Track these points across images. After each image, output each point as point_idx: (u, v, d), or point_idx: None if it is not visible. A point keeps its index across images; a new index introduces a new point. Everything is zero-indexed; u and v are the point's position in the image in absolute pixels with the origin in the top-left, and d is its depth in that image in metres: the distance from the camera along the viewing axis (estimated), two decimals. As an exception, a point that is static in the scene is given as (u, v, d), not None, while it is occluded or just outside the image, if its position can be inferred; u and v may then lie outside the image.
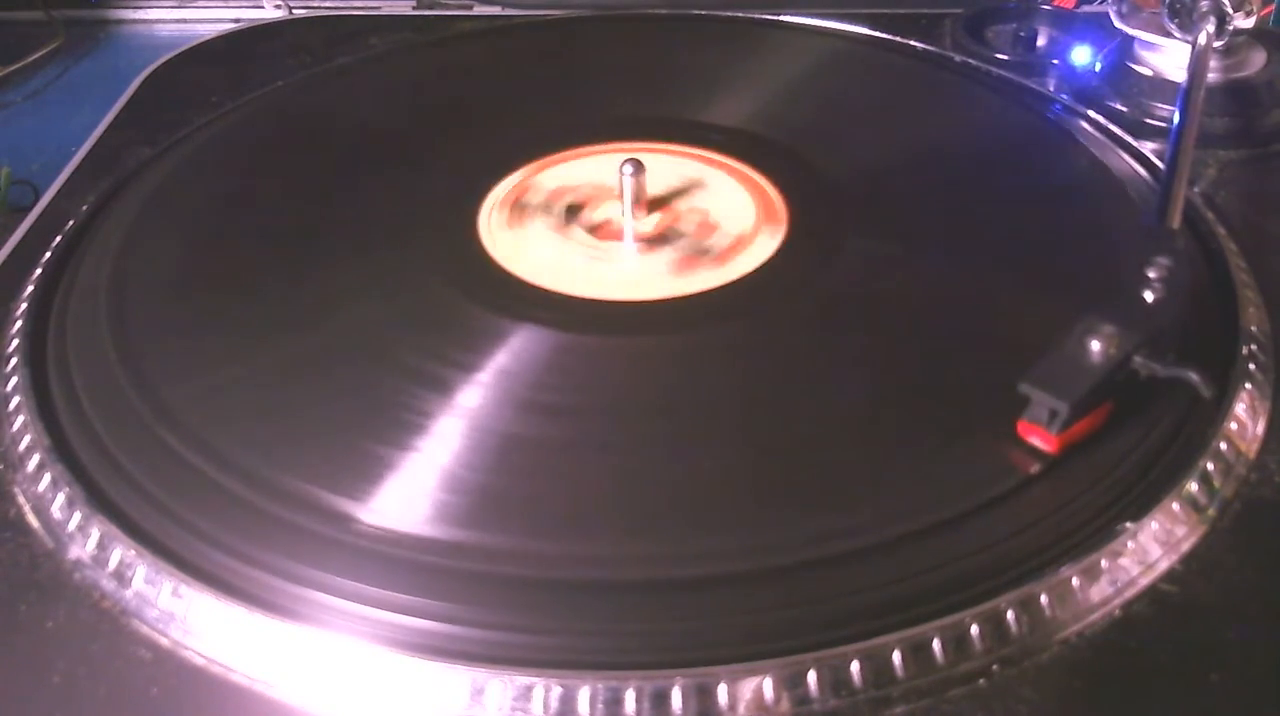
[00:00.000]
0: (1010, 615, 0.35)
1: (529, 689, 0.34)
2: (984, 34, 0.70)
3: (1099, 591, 0.36)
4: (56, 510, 0.40)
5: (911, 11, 0.73)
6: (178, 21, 0.85)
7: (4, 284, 0.51)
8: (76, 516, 0.39)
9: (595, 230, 0.52)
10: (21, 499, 0.41)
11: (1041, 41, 0.69)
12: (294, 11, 0.82)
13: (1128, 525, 0.37)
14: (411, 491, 0.39)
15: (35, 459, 0.42)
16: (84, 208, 0.55)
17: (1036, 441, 0.39)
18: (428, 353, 0.45)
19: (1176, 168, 0.48)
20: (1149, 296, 0.41)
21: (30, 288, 0.50)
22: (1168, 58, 0.61)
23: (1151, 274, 0.42)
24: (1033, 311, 0.46)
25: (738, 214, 0.52)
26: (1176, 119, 0.51)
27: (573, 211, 0.53)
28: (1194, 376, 0.39)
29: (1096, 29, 0.66)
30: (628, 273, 0.49)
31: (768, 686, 0.33)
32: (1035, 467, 0.39)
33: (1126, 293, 0.41)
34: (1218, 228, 0.51)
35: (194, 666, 0.36)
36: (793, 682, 0.34)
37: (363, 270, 0.50)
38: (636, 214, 0.52)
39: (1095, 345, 0.39)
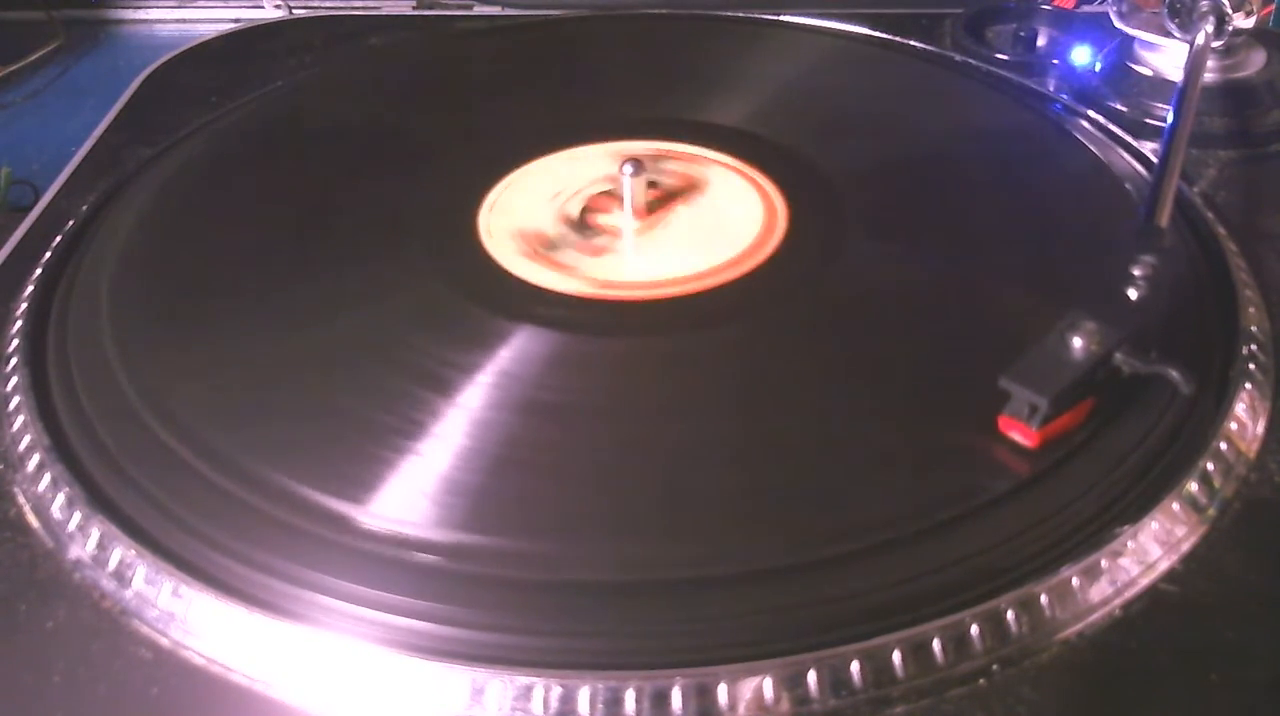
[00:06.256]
0: (1010, 615, 0.35)
1: (529, 689, 0.34)
2: (984, 34, 0.70)
3: (1099, 591, 0.36)
4: (56, 510, 0.40)
5: (911, 11, 0.73)
6: (178, 21, 0.85)
7: (4, 284, 0.51)
8: (76, 516, 0.39)
9: (596, 229, 0.52)
10: (21, 499, 0.41)
11: (1041, 41, 0.69)
12: (294, 11, 0.82)
13: (1120, 529, 0.37)
14: (411, 492, 0.39)
15: (35, 459, 0.42)
16: (84, 208, 0.55)
17: (1016, 436, 0.39)
18: (427, 353, 0.45)
19: (1168, 166, 0.48)
20: (1133, 293, 0.41)
21: (30, 287, 0.50)
22: (1168, 58, 0.61)
23: (1136, 271, 0.42)
24: (1033, 311, 0.45)
25: (737, 214, 0.52)
26: (1171, 118, 0.51)
27: (574, 208, 0.53)
28: (1174, 373, 0.39)
29: (1096, 29, 0.66)
30: (627, 272, 0.49)
31: (768, 686, 0.33)
32: (1035, 467, 0.39)
33: (1111, 290, 0.41)
34: (1218, 228, 0.51)
35: (194, 666, 0.36)
36: (793, 682, 0.34)
37: (362, 270, 0.50)
38: (636, 214, 0.52)
39: (1077, 341, 0.40)
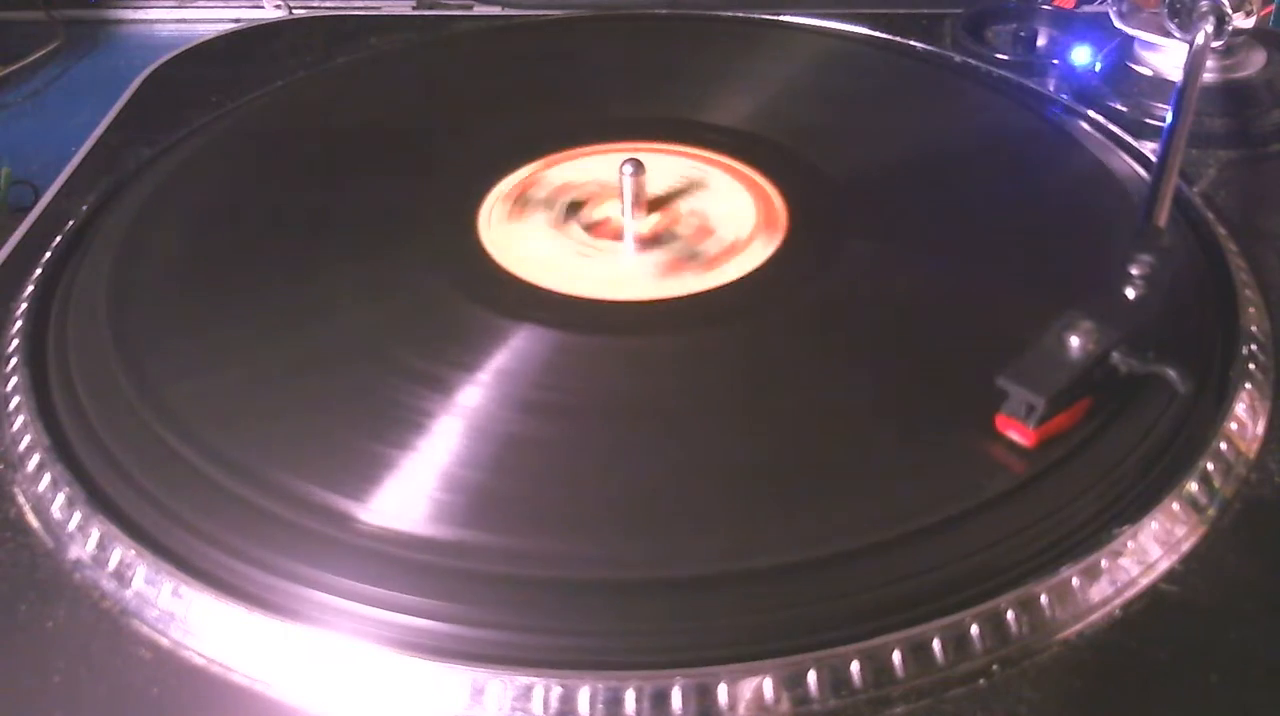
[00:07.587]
0: (1010, 615, 0.35)
1: (529, 689, 0.34)
2: (984, 34, 0.70)
3: (1099, 591, 0.36)
4: (56, 510, 0.40)
5: (911, 11, 0.73)
6: (178, 21, 0.85)
7: (4, 284, 0.51)
8: (76, 516, 0.39)
9: (595, 229, 0.52)
10: (21, 499, 0.41)
11: (1041, 41, 0.69)
12: (294, 11, 0.82)
13: (1119, 530, 0.37)
14: (411, 491, 0.39)
15: (35, 459, 0.42)
16: (84, 208, 0.55)
17: (1014, 435, 0.40)
18: (427, 352, 0.45)
19: (1166, 166, 0.48)
20: (1130, 293, 0.41)
21: (30, 287, 0.50)
22: (1168, 58, 0.61)
23: (1134, 271, 0.42)
24: (1034, 312, 0.45)
25: (737, 214, 0.52)
26: (1170, 118, 0.51)
27: (574, 208, 0.53)
28: (1172, 373, 0.39)
29: (1096, 29, 0.66)
30: (627, 273, 0.49)
31: (768, 686, 0.33)
32: (1035, 467, 0.39)
33: (1109, 289, 0.41)
34: (1218, 228, 0.51)
35: (194, 666, 0.36)
36: (793, 682, 0.34)
37: (363, 270, 0.50)
38: (636, 214, 0.52)
39: (1074, 340, 0.40)
